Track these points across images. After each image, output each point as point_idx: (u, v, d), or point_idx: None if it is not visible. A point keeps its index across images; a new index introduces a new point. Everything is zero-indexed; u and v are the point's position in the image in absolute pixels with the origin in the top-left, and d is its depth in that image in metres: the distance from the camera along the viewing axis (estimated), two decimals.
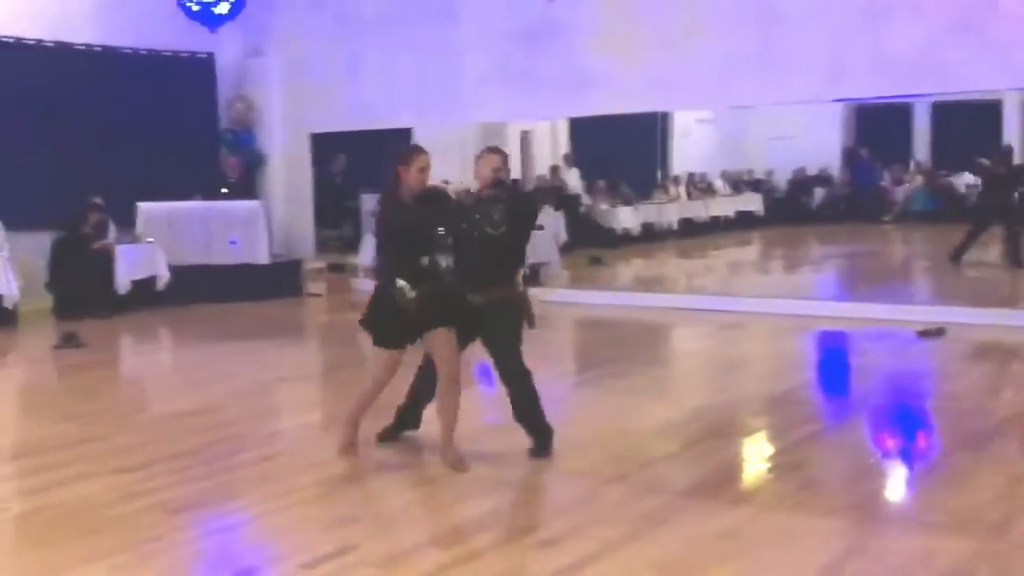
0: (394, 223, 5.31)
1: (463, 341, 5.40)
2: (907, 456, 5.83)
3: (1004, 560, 4.13)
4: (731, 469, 5.53)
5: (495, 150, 5.58)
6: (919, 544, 4.30)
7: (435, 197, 5.34)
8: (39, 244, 11.14)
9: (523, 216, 5.57)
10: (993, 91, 16.15)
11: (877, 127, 21.74)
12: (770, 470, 5.48)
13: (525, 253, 5.61)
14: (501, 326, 5.41)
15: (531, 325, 5.52)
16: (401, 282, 5.19)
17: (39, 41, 11.85)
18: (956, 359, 8.41)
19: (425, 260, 5.25)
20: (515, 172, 15.19)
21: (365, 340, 5.63)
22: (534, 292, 5.81)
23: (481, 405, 6.67)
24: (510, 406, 5.50)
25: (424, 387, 5.58)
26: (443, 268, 5.43)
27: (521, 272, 5.54)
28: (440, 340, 5.24)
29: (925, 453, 5.91)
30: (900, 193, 20.85)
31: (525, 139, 15.96)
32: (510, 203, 5.40)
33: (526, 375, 5.45)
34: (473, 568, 4.07)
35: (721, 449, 5.80)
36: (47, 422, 6.65)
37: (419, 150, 5.32)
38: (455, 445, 5.29)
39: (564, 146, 17.65)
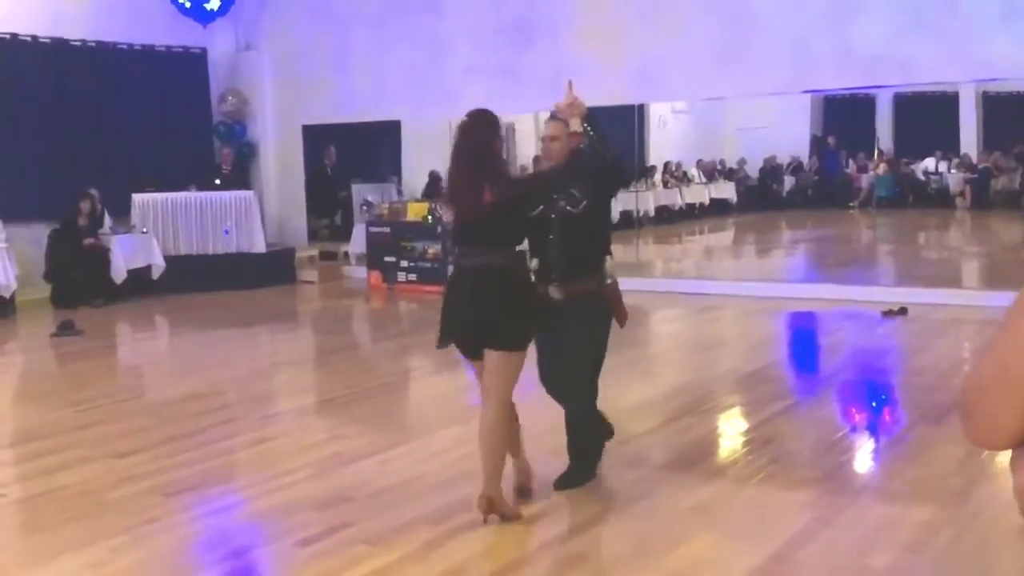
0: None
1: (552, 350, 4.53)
2: (872, 430, 5.86)
3: (963, 526, 4.15)
4: (706, 444, 5.53)
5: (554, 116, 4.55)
6: (884, 513, 4.32)
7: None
8: (36, 235, 11.06)
9: (607, 186, 4.59)
10: (951, 83, 16.23)
11: (843, 117, 21.80)
12: (743, 445, 5.49)
13: (609, 234, 4.75)
14: (583, 327, 4.46)
15: (621, 323, 4.61)
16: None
17: (35, 37, 11.70)
18: (918, 337, 8.45)
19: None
20: None
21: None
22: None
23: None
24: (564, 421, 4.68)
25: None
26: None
27: (607, 259, 4.61)
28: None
29: (889, 427, 5.94)
30: (864, 180, 20.92)
31: (509, 132, 15.90)
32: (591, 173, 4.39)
33: (593, 392, 4.58)
34: (461, 542, 4.06)
35: (696, 426, 5.81)
36: (45, 408, 6.58)
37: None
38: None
39: None
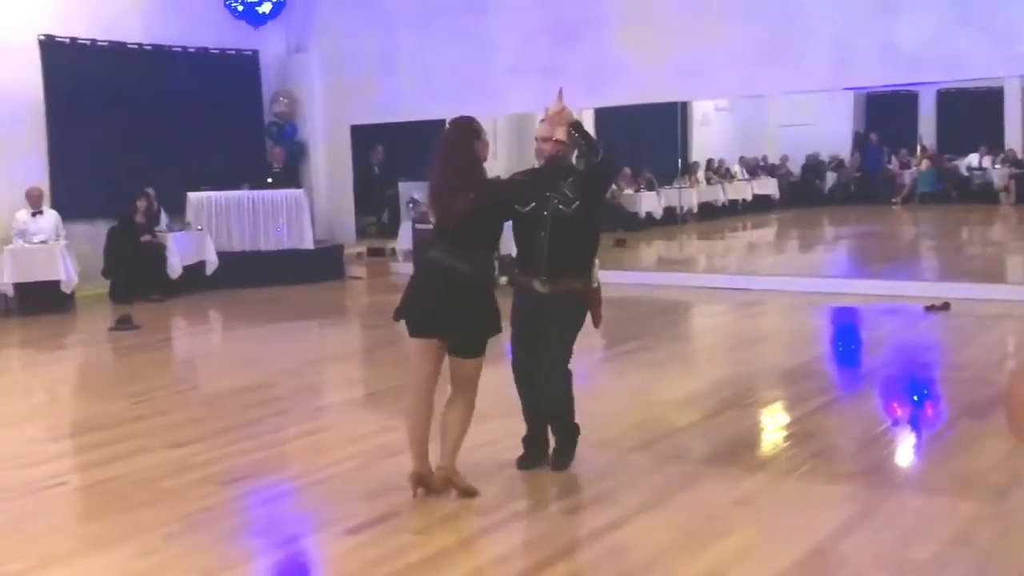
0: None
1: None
2: (915, 424, 5.77)
3: (1005, 522, 4.08)
4: (749, 438, 5.48)
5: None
6: (926, 507, 4.26)
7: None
8: (95, 233, 11.27)
9: (597, 188, 4.64)
10: (995, 78, 15.88)
11: (885, 114, 21.46)
12: (785, 439, 5.43)
13: (599, 236, 4.74)
14: (564, 317, 4.55)
15: (596, 324, 4.68)
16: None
17: (93, 41, 11.92)
18: (961, 332, 8.30)
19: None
20: None
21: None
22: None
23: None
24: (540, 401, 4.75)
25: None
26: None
27: (596, 262, 4.65)
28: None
29: (932, 421, 5.84)
30: (907, 176, 20.58)
31: None
32: (582, 174, 4.49)
33: (567, 375, 4.69)
34: (505, 533, 4.06)
35: (739, 419, 5.76)
36: (103, 400, 6.71)
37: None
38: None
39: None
